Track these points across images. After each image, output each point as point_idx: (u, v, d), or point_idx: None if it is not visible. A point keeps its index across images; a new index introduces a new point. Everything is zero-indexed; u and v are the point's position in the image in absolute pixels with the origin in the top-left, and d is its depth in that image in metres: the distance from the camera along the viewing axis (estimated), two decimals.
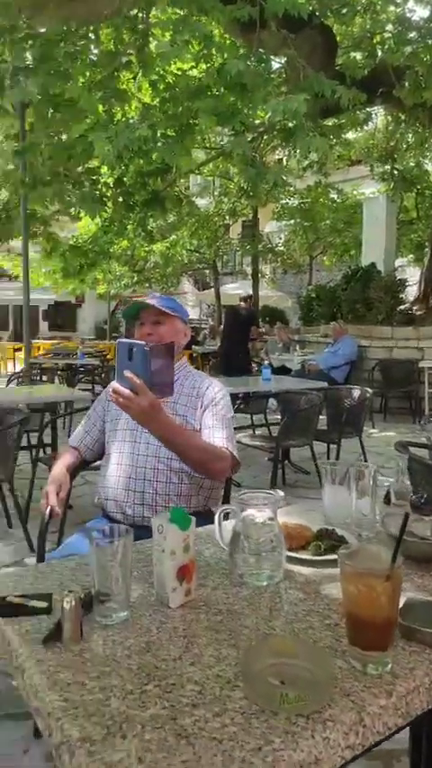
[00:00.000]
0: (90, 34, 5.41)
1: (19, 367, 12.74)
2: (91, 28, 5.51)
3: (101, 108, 4.95)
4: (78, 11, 5.88)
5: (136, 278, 13.48)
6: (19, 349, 14.71)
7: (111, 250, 9.95)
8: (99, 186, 5.94)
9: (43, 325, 21.40)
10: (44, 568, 1.17)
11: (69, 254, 9.51)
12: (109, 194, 5.96)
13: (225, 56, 4.97)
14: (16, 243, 19.00)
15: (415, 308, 9.00)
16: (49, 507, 1.59)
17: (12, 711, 1.79)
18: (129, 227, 9.27)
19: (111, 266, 11.45)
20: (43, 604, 0.96)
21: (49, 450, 3.97)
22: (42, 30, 5.42)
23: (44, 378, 6.66)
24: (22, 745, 1.65)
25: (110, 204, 5.99)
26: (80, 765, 0.63)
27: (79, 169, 5.54)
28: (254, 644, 0.85)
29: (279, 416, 4.97)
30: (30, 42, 5.55)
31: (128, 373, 1.30)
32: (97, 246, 9.52)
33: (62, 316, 21.49)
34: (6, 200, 7.89)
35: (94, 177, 5.82)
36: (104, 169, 6.00)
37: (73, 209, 6.15)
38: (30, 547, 3.04)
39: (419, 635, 0.85)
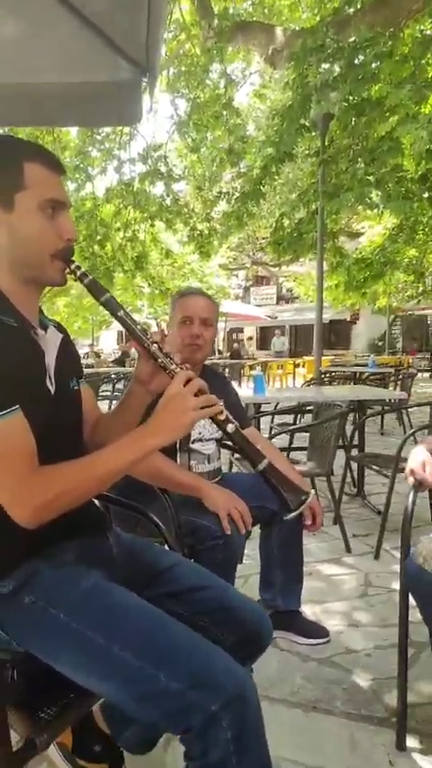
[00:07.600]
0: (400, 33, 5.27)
1: (299, 382, 13.24)
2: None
3: (409, 101, 4.73)
4: (383, 13, 5.85)
5: (422, 288, 12.68)
6: (298, 365, 15.39)
7: (398, 260, 9.64)
8: (405, 183, 5.71)
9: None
10: None
11: (354, 266, 9.51)
12: (414, 191, 5.69)
13: None
14: (295, 267, 19.98)
15: None
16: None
17: (371, 714, 1.64)
18: (419, 234, 8.85)
19: (395, 277, 11.05)
20: None
21: (355, 451, 3.83)
22: (350, 40, 5.51)
23: (335, 384, 6.66)
24: (386, 755, 1.47)
25: (416, 201, 5.71)
26: None
27: (383, 170, 5.42)
28: None
29: None
30: (335, 56, 5.72)
31: None
32: (383, 257, 9.33)
33: (336, 333, 21.78)
34: (299, 220, 8.25)
35: (399, 175, 5.62)
36: (409, 165, 5.75)
37: (376, 210, 6.05)
38: (346, 546, 2.92)
39: None
